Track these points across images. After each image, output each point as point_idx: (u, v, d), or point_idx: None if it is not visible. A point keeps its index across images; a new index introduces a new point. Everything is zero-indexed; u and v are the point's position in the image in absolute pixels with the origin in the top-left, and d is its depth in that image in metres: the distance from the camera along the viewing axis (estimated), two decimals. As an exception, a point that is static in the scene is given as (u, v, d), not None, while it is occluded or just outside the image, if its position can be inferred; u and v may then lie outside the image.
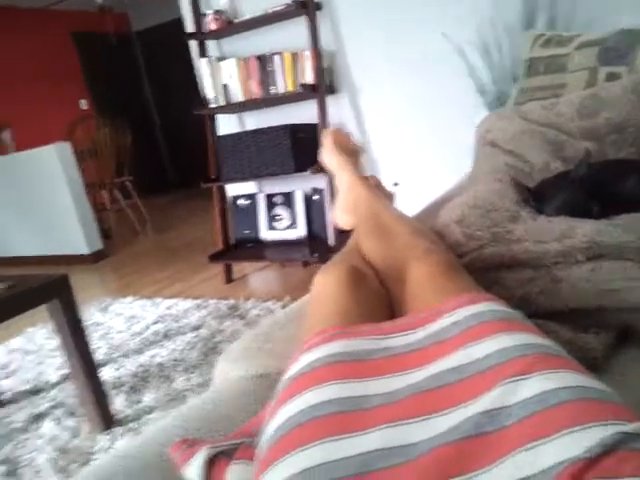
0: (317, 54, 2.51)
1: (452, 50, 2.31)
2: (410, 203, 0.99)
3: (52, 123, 6.21)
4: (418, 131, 2.62)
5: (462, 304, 0.56)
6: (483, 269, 0.80)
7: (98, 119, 4.97)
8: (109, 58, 7.26)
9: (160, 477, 0.50)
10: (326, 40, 2.63)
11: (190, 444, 0.52)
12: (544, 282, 0.75)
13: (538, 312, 0.73)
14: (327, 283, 0.66)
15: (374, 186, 0.99)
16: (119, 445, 1.57)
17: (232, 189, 3.16)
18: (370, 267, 0.76)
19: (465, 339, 0.50)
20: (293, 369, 0.52)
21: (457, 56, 2.29)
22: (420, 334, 0.54)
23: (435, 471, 0.37)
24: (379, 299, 0.68)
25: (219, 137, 2.83)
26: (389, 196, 1.07)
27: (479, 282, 0.69)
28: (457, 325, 0.53)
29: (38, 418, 1.80)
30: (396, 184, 2.69)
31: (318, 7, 2.58)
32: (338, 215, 0.99)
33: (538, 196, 0.99)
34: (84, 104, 6.99)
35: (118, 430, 1.63)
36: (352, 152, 1.05)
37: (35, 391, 2.01)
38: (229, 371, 0.73)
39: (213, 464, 0.50)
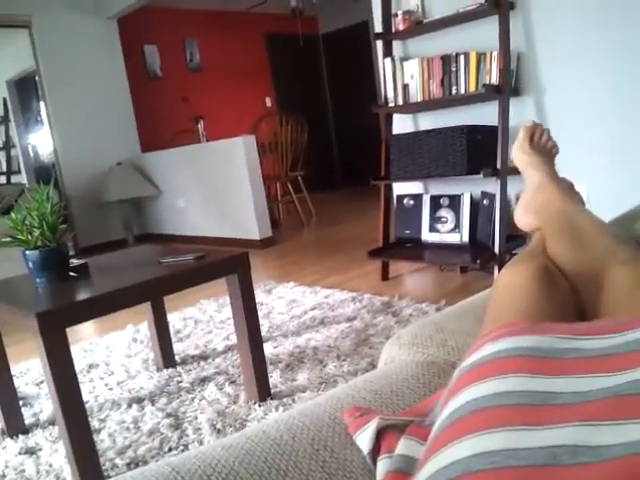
0: (505, 54, 2.41)
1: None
2: (598, 212, 0.91)
3: (240, 117, 6.79)
4: (611, 136, 2.39)
5: (674, 316, 0.50)
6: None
7: (281, 116, 5.31)
8: (295, 59, 7.72)
9: (332, 436, 0.52)
10: (515, 40, 2.51)
11: (363, 413, 0.53)
12: None
13: None
14: (517, 277, 0.63)
15: (566, 188, 0.93)
16: (272, 415, 1.66)
17: (398, 188, 3.18)
18: (558, 269, 0.71)
19: None
20: (474, 357, 0.50)
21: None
22: (619, 339, 0.49)
23: (627, 476, 0.34)
24: (569, 300, 0.64)
25: (394, 136, 2.86)
26: (581, 200, 0.99)
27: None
28: None
29: (203, 381, 1.96)
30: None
31: (512, 6, 2.48)
32: (520, 215, 0.94)
33: None
34: (269, 101, 7.53)
35: (272, 403, 1.72)
36: (547, 151, 0.98)
37: (203, 357, 2.20)
38: (397, 355, 0.73)
39: (383, 435, 0.51)
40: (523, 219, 0.91)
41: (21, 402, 1.89)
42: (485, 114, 2.69)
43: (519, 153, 0.97)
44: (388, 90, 2.88)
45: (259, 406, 1.72)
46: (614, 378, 0.44)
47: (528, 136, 0.97)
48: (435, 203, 2.93)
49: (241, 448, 0.50)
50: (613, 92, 2.34)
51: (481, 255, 2.59)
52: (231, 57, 7.09)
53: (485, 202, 2.72)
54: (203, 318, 2.72)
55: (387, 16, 2.88)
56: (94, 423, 1.74)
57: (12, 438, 1.71)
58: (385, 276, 3.01)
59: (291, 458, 0.49)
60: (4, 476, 1.50)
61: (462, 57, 2.59)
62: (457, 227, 2.84)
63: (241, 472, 0.47)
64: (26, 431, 1.75)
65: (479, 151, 2.53)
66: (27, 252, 1.52)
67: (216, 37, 6.96)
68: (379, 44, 3.03)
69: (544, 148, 0.98)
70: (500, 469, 0.36)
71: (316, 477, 0.48)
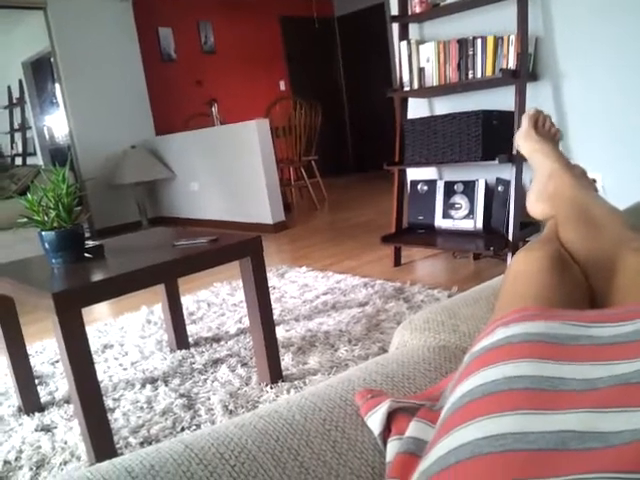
0: (523, 38, 2.37)
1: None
2: (613, 200, 0.90)
3: (254, 101, 6.77)
4: (629, 124, 2.35)
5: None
6: None
7: (295, 100, 5.28)
8: (309, 42, 7.65)
9: (343, 417, 0.53)
10: (534, 25, 2.47)
11: (374, 395, 0.54)
12: None
13: None
14: (530, 263, 0.63)
15: (579, 175, 0.92)
16: (284, 396, 1.68)
17: (412, 174, 3.16)
18: (571, 256, 0.71)
19: None
20: (486, 341, 0.50)
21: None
22: (630, 327, 0.49)
23: (635, 461, 0.34)
24: (581, 287, 0.64)
25: (408, 120, 2.84)
26: (594, 187, 0.98)
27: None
28: None
29: (216, 363, 1.98)
30: (594, 181, 2.45)
31: (531, -12, 2.43)
32: (532, 203, 0.93)
33: None
34: (282, 85, 7.49)
35: (283, 385, 1.74)
36: (551, 137, 0.98)
37: (216, 339, 2.22)
38: (408, 339, 0.74)
39: (394, 417, 0.52)
40: (536, 207, 0.90)
41: (37, 380, 1.93)
42: (501, 99, 2.66)
43: (525, 141, 0.97)
44: (403, 74, 2.85)
45: (271, 388, 1.73)
46: (623, 366, 0.44)
47: (532, 123, 0.97)
48: (449, 189, 2.91)
49: (254, 427, 0.51)
50: (633, 79, 2.30)
51: (495, 242, 2.58)
52: (245, 40, 7.05)
53: (500, 188, 2.70)
54: (216, 301, 2.74)
55: (404, -2, 2.84)
56: (108, 402, 1.77)
57: (28, 415, 1.75)
58: (397, 262, 3.01)
59: (303, 437, 0.50)
60: (21, 452, 1.54)
61: (479, 41, 2.55)
62: (471, 213, 2.82)
63: (254, 450, 0.48)
64: (42, 409, 1.79)
65: (495, 137, 2.51)
66: (43, 233, 1.54)
67: (230, 20, 6.91)
68: (395, 27, 2.99)
69: (548, 134, 0.97)
70: (509, 452, 0.37)
71: (327, 456, 0.48)
